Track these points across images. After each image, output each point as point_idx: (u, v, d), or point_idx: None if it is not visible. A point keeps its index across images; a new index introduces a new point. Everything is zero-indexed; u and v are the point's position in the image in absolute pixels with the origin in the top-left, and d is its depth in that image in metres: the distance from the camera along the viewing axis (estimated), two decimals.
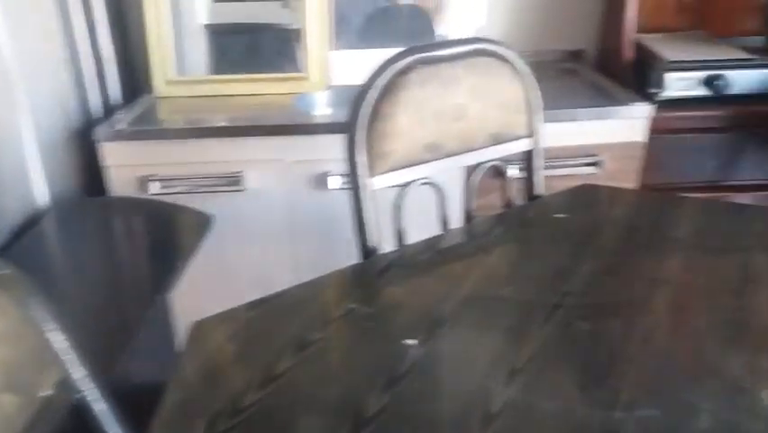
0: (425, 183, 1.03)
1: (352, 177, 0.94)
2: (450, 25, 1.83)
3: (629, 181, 1.57)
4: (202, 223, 1.11)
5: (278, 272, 1.45)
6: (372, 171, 0.95)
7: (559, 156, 1.53)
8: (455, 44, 0.99)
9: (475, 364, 0.72)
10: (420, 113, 0.97)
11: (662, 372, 0.71)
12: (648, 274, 0.88)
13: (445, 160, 1.04)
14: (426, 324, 0.78)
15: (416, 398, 0.66)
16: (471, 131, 1.03)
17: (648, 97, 1.57)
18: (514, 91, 1.06)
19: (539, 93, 1.10)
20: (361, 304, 0.85)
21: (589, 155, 1.54)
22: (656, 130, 1.57)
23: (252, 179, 1.44)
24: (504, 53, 1.04)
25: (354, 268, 0.93)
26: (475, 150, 1.06)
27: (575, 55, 1.96)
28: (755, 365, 0.70)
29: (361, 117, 0.93)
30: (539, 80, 1.81)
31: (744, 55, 1.62)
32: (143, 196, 1.39)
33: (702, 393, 0.66)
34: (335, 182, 1.40)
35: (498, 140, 1.07)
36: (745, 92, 1.59)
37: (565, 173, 1.52)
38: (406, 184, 1.01)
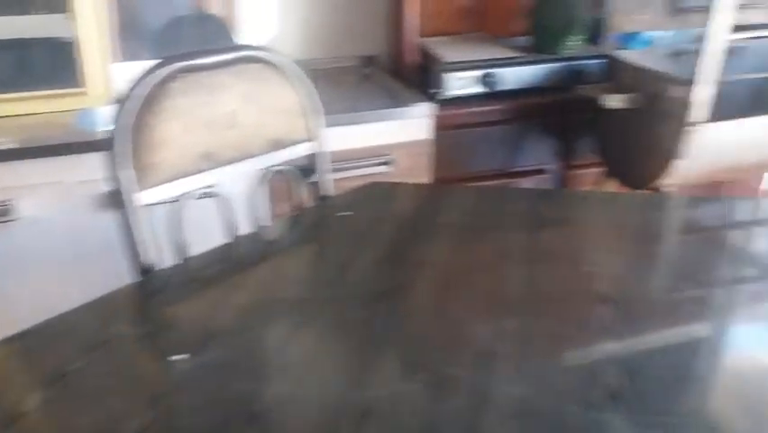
0: (208, 193, 1.01)
1: (118, 193, 0.90)
2: (244, 35, 1.82)
3: (422, 177, 1.67)
4: None
5: (66, 304, 1.33)
6: (141, 185, 0.91)
7: (354, 157, 1.59)
8: (220, 52, 0.99)
9: (245, 368, 0.72)
10: (188, 121, 0.95)
11: (422, 347, 0.76)
12: (418, 259, 0.94)
13: (225, 168, 1.03)
14: (201, 336, 0.77)
15: (180, 412, 0.65)
16: (248, 137, 1.03)
17: (432, 97, 1.69)
18: (289, 96, 1.08)
19: (316, 97, 1.13)
20: (132, 325, 0.82)
21: (383, 155, 1.61)
22: (443, 127, 1.69)
23: (27, 207, 1.31)
24: (274, 60, 1.05)
25: (127, 288, 0.88)
26: (255, 156, 1.06)
27: (371, 60, 2.04)
28: (503, 331, 0.78)
29: (120, 130, 0.89)
30: (335, 85, 1.87)
31: (513, 54, 1.79)
32: None
33: (456, 363, 0.72)
34: None
35: (279, 145, 1.08)
36: (516, 87, 1.76)
37: (361, 174, 1.58)
38: (184, 195, 0.98)
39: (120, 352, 0.75)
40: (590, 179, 1.90)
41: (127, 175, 0.89)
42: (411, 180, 1.63)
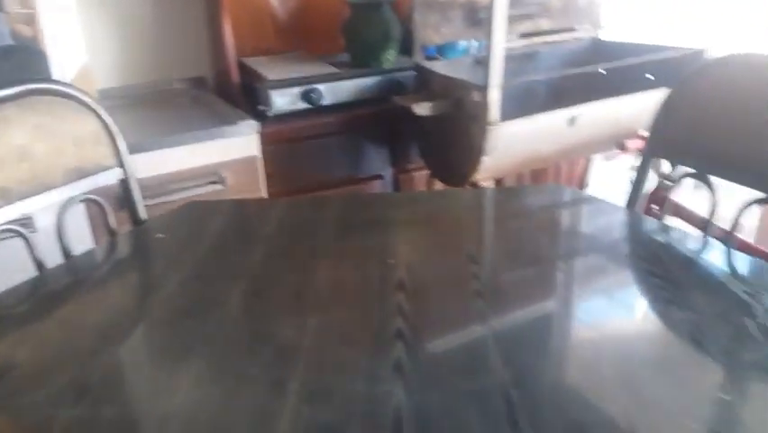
0: (12, 230, 0.98)
1: None
2: (57, 65, 1.76)
3: (255, 192, 1.70)
4: None
5: None
6: None
7: (184, 179, 1.59)
8: (4, 87, 0.97)
9: (39, 400, 0.71)
10: None
11: (225, 353, 0.79)
12: (231, 272, 0.97)
13: (24, 202, 1.00)
14: None
15: None
16: (46, 169, 1.02)
17: (259, 115, 1.73)
18: (86, 125, 1.07)
19: (114, 125, 1.13)
20: None
21: (213, 174, 1.63)
22: (273, 142, 1.74)
23: None
24: (66, 91, 1.04)
25: None
26: (57, 187, 1.04)
27: (199, 82, 2.05)
28: (306, 326, 0.83)
29: None
30: (163, 109, 1.86)
31: (332, 70, 1.88)
32: None
33: (258, 362, 0.76)
34: None
35: (81, 174, 1.07)
36: (339, 101, 1.85)
37: (193, 194, 1.59)
38: None
39: None
40: (423, 180, 2.03)
41: None
42: (244, 197, 1.66)
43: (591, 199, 1.22)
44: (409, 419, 0.66)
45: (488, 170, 1.66)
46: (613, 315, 0.87)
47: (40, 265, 1.02)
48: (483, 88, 1.53)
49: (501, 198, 1.34)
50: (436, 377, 0.73)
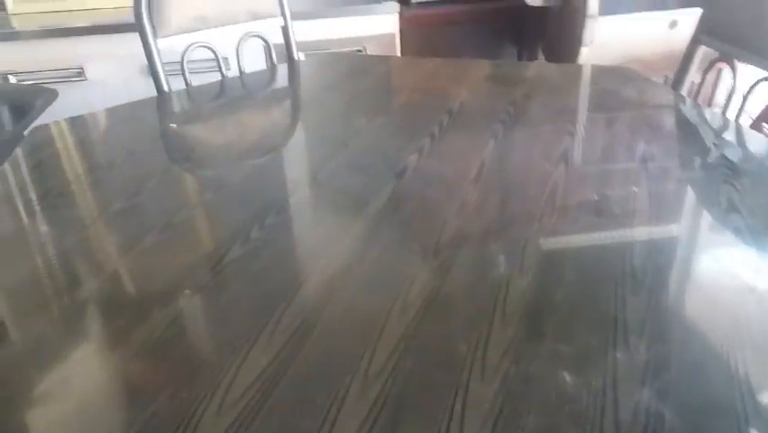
0: (203, 46, 1.50)
1: (142, 37, 1.40)
2: None
3: None
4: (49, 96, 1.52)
5: None
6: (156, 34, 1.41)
7: (332, 45, 2.05)
8: None
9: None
10: None
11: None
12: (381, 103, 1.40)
13: (214, 30, 1.51)
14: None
15: None
16: (234, 8, 1.51)
17: (404, 2, 2.11)
18: None
19: None
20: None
21: (356, 43, 2.06)
22: (412, 25, 2.12)
23: (93, 71, 1.86)
24: None
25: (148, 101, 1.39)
26: (239, 23, 1.54)
27: None
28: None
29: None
30: None
31: None
32: None
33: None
34: None
35: (256, 16, 1.56)
36: None
37: None
38: (188, 46, 1.47)
39: None
40: None
41: (148, 25, 1.39)
42: None
43: (637, 78, 1.44)
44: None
45: (586, 60, 1.88)
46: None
47: (222, 75, 1.53)
48: None
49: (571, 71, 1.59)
50: None
